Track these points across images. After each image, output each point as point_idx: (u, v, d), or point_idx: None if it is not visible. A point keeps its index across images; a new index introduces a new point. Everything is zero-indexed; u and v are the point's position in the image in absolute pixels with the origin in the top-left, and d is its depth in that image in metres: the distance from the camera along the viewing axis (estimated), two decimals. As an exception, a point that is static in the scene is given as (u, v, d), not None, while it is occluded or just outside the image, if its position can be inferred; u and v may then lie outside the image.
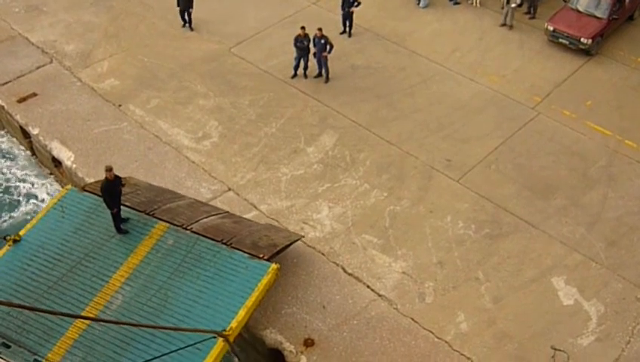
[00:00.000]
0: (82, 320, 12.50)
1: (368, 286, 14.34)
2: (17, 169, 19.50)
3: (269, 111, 18.90)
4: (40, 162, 19.63)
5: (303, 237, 15.14)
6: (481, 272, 14.61)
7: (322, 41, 19.23)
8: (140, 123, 18.57)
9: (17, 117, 18.96)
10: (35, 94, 19.57)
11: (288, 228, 15.40)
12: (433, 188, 16.54)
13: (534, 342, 13.29)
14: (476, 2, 23.40)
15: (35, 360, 12.14)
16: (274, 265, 13.08)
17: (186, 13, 22.04)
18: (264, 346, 13.63)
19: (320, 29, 19.19)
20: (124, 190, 14.21)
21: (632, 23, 22.43)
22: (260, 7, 23.40)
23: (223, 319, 12.29)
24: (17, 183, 19.02)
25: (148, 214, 14.35)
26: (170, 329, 11.92)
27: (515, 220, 15.74)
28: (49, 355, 12.19)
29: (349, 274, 14.58)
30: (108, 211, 13.90)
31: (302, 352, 13.13)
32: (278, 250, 13.80)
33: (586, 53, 20.82)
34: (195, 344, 11.29)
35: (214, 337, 11.63)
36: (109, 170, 13.45)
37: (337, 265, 14.78)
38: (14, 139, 20.42)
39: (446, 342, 13.34)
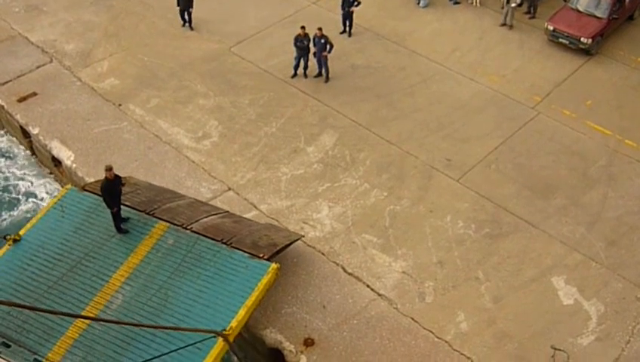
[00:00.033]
0: (82, 319, 12.49)
1: (368, 286, 14.34)
2: (16, 168, 19.50)
3: (269, 111, 18.90)
4: (40, 162, 19.62)
5: (303, 236, 15.15)
6: (481, 272, 14.61)
7: (322, 41, 19.22)
8: (139, 122, 18.57)
9: (17, 116, 18.95)
10: (35, 94, 19.57)
11: (288, 228, 15.40)
12: (433, 188, 16.54)
13: (534, 342, 13.29)
14: (476, 2, 23.40)
15: (35, 359, 12.13)
16: (274, 265, 13.08)
17: (186, 13, 22.04)
18: (264, 346, 13.63)
19: (320, 29, 19.20)
20: (124, 189, 14.21)
21: (632, 22, 22.43)
22: (260, 6, 23.39)
23: (223, 318, 12.29)
24: (16, 182, 19.03)
25: (148, 214, 14.35)
26: (169, 328, 11.92)
27: (515, 220, 15.74)
28: (49, 355, 12.19)
29: (349, 274, 14.58)
30: (108, 211, 13.89)
31: (302, 352, 13.14)
32: (278, 249, 13.80)
33: (586, 52, 20.82)
34: (195, 343, 11.29)
35: (214, 337, 11.63)
36: (108, 169, 13.45)
37: (337, 264, 14.79)
38: (14, 139, 20.42)
39: (446, 341, 13.35)
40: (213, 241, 13.67)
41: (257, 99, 19.33)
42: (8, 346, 12.34)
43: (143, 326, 11.94)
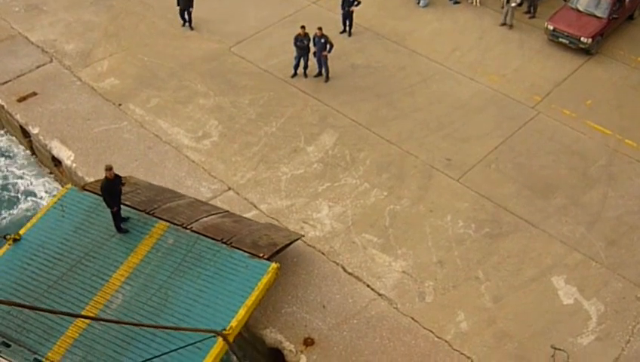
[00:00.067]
0: (82, 319, 12.49)
1: (368, 286, 14.34)
2: (16, 167, 19.50)
3: (269, 111, 18.89)
4: (40, 161, 19.62)
5: (303, 236, 15.14)
6: (481, 271, 14.61)
7: (322, 41, 19.22)
8: (139, 122, 18.56)
9: (17, 116, 18.95)
10: (35, 93, 19.56)
11: (288, 228, 15.40)
12: (433, 188, 16.54)
13: (534, 342, 13.29)
14: (476, 1, 23.40)
15: (35, 359, 12.13)
16: (274, 265, 13.08)
17: (186, 13, 22.04)
18: (264, 345, 13.63)
19: (320, 28, 19.19)
20: (124, 189, 14.21)
21: (632, 22, 22.43)
22: (260, 6, 23.39)
23: (223, 318, 12.29)
24: (15, 180, 19.04)
25: (148, 213, 14.35)
26: (169, 328, 11.91)
27: (515, 219, 15.74)
28: (49, 354, 12.18)
29: (349, 274, 14.58)
30: (108, 210, 13.90)
31: (302, 351, 13.13)
32: (278, 249, 13.80)
33: (586, 52, 20.82)
34: (195, 343, 11.29)
35: (214, 336, 11.63)
36: (108, 169, 13.45)
37: (337, 264, 14.79)
38: (14, 138, 20.42)
39: (446, 341, 13.34)
40: (213, 241, 13.67)
41: (257, 98, 19.33)
42: (8, 345, 12.34)
43: (142, 325, 11.94)
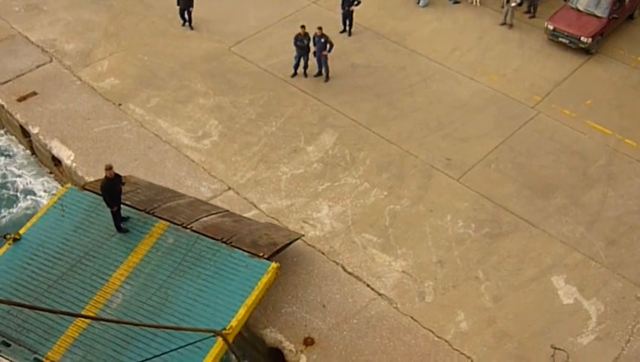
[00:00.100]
0: (82, 318, 12.49)
1: (368, 285, 14.34)
2: (15, 167, 19.50)
3: (269, 110, 18.89)
4: (39, 161, 19.62)
5: (303, 236, 15.14)
6: (481, 271, 14.61)
7: (322, 40, 19.22)
8: (139, 122, 18.56)
9: (17, 116, 18.95)
10: (34, 93, 19.56)
11: (288, 227, 15.40)
12: (433, 187, 16.54)
13: (534, 341, 13.29)
14: (476, 1, 23.39)
15: (35, 358, 12.14)
16: (274, 264, 13.08)
17: (186, 12, 22.03)
18: (264, 345, 13.63)
19: (320, 28, 19.19)
20: (124, 189, 14.21)
21: (632, 22, 22.42)
22: (260, 6, 23.39)
23: (223, 318, 12.29)
24: (15, 179, 19.04)
25: (148, 213, 14.35)
26: (168, 328, 11.91)
27: (515, 219, 15.74)
28: (49, 354, 12.19)
29: (349, 273, 14.58)
30: (108, 210, 13.90)
31: (302, 351, 13.13)
32: (278, 248, 13.80)
33: (586, 52, 20.82)
34: (194, 343, 11.28)
35: (214, 336, 11.63)
36: (108, 168, 13.45)
37: (337, 264, 14.79)
38: (13, 138, 20.42)
39: (446, 341, 13.35)
40: (213, 240, 13.67)
41: (257, 98, 19.33)
42: (8, 345, 12.35)
43: (142, 325, 11.94)
